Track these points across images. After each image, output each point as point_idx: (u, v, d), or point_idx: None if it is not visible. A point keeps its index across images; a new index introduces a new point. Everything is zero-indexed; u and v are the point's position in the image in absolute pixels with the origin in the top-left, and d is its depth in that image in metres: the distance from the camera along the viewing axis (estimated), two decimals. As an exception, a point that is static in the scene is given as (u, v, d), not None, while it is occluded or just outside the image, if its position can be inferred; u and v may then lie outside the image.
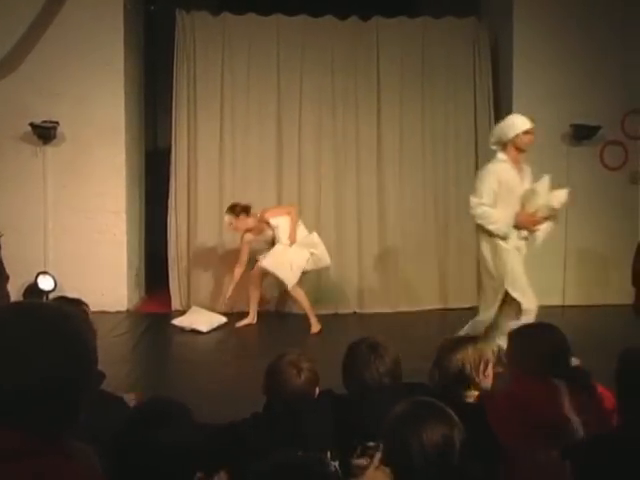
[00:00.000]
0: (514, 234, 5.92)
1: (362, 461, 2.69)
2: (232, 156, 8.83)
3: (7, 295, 6.68)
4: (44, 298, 7.44)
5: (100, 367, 2.61)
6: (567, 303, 8.89)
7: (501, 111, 9.23)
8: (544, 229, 6.12)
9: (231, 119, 8.82)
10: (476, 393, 3.15)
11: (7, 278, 6.70)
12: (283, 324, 8.32)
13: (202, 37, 8.81)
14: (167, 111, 9.03)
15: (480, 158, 9.11)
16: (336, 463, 2.77)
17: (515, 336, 3.29)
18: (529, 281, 5.97)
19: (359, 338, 3.18)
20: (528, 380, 3.01)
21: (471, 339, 3.40)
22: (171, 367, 6.64)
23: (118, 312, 8.28)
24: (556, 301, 8.90)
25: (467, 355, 3.18)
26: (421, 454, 2.04)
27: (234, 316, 8.07)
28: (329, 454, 2.77)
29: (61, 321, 1.39)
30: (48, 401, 1.31)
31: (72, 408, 1.35)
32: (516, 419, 2.85)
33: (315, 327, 7.68)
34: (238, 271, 7.91)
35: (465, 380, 3.13)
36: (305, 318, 7.76)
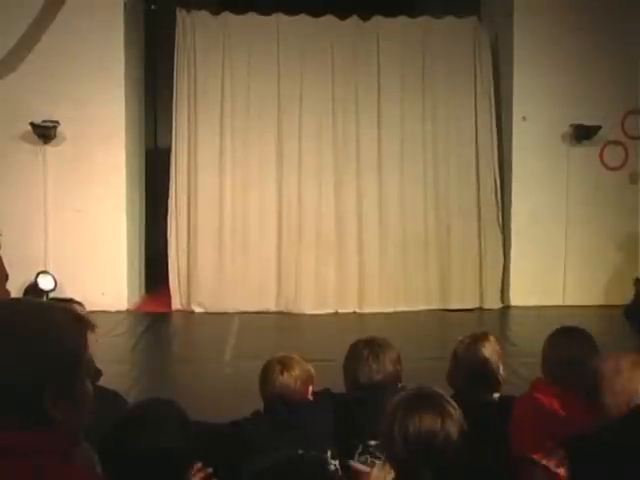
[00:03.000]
0: None
1: (365, 466, 2.69)
2: (232, 156, 8.82)
3: (8, 294, 6.67)
4: (44, 297, 7.44)
5: (99, 366, 2.62)
6: (567, 303, 8.89)
7: (502, 111, 9.25)
8: None
9: (231, 119, 8.82)
10: (497, 395, 3.12)
11: (7, 277, 6.68)
12: (283, 324, 8.32)
13: (202, 36, 8.81)
14: (167, 110, 9.04)
15: (480, 157, 9.12)
16: (336, 462, 2.77)
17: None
18: None
19: (361, 337, 3.18)
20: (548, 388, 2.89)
21: (487, 335, 3.33)
22: (171, 367, 6.64)
23: (118, 312, 8.28)
24: (556, 301, 8.91)
25: (492, 350, 3.16)
26: (403, 444, 1.97)
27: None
28: (329, 453, 2.78)
29: (33, 319, 1.35)
30: (31, 399, 1.30)
31: (60, 406, 1.32)
32: (534, 428, 2.76)
33: None
34: None
35: (487, 376, 3.11)
36: (306, 317, 7.74)
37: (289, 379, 2.86)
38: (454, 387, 3.16)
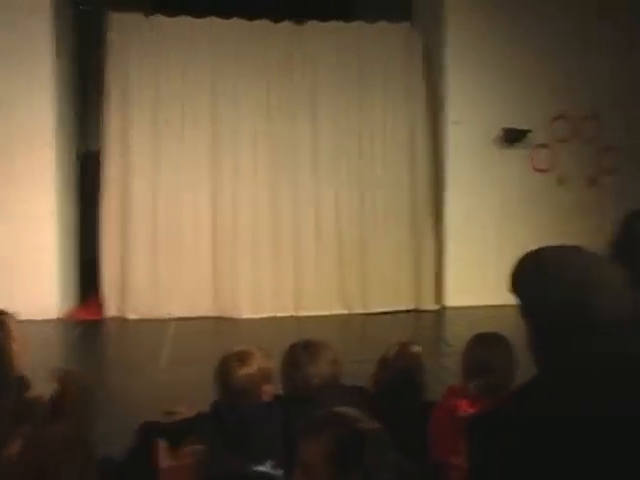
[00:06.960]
0: None
1: None
2: (166, 158, 8.67)
3: None
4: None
5: (29, 377, 2.53)
6: (502, 302, 9.01)
7: (435, 114, 9.38)
8: None
9: (165, 122, 8.67)
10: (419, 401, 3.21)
11: None
12: (221, 328, 8.24)
13: (134, 39, 8.64)
14: (101, 113, 8.82)
15: (415, 159, 9.22)
16: (280, 472, 2.69)
17: None
18: None
19: (296, 341, 3.16)
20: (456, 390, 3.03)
21: (415, 344, 3.42)
22: (104, 375, 6.48)
23: (48, 320, 8.01)
24: (491, 301, 9.03)
25: (419, 358, 3.30)
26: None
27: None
28: (269, 463, 2.72)
29: None
30: None
31: None
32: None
33: None
34: None
35: (413, 382, 3.21)
36: (243, 322, 7.69)
37: (239, 375, 2.76)
38: (378, 390, 3.22)
